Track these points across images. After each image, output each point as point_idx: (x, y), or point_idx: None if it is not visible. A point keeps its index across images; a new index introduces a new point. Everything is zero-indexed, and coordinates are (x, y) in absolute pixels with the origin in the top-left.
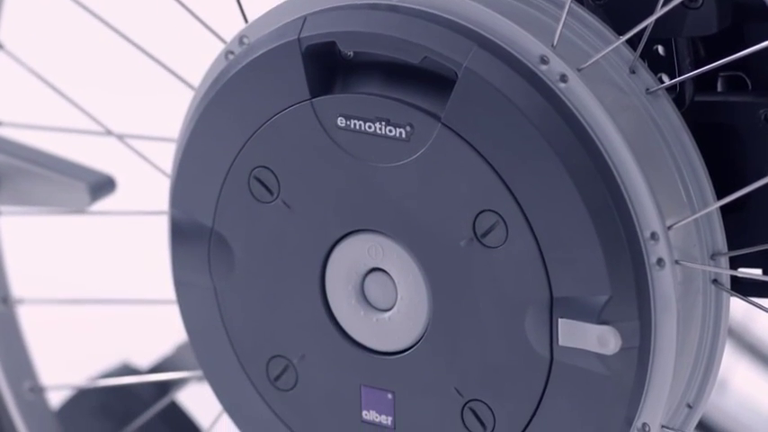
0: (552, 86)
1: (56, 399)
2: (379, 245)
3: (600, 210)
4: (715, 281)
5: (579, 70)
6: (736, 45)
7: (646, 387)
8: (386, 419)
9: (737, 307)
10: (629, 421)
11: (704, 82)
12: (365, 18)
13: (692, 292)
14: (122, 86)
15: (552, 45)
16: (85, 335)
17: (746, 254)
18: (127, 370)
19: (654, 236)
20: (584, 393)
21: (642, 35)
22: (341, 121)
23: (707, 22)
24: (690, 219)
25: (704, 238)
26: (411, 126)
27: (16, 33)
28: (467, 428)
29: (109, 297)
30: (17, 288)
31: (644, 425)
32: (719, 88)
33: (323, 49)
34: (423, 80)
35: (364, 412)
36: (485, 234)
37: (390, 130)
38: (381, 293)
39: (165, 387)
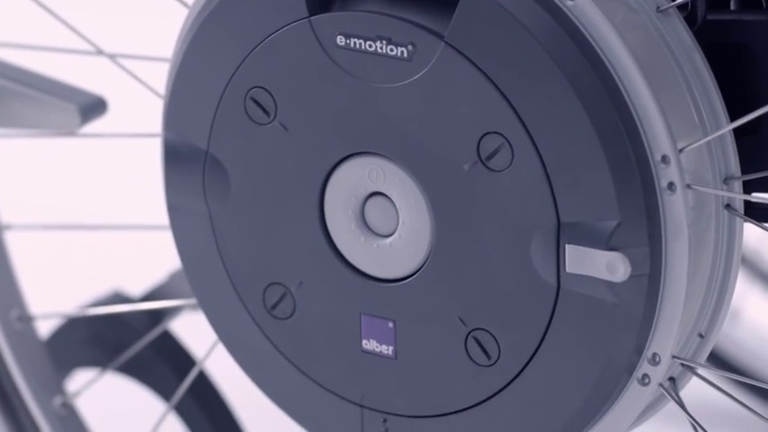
0: (559, 4)
1: (45, 328)
2: (380, 168)
3: (608, 131)
4: (728, 206)
5: None
6: None
7: (656, 316)
8: (386, 349)
9: (751, 233)
10: (639, 351)
11: (717, 0)
12: None
13: (704, 218)
14: (114, 4)
15: None
16: (76, 262)
17: (761, 178)
18: (118, 298)
19: (665, 159)
20: (592, 322)
21: None
22: (340, 40)
23: None
24: (702, 141)
25: (717, 162)
26: (413, 45)
27: None
28: (470, 358)
29: (100, 223)
30: (4, 213)
31: (654, 355)
32: (733, 6)
33: None
34: None
35: (364, 341)
36: (489, 157)
37: (392, 50)
38: (382, 218)
39: (158, 316)
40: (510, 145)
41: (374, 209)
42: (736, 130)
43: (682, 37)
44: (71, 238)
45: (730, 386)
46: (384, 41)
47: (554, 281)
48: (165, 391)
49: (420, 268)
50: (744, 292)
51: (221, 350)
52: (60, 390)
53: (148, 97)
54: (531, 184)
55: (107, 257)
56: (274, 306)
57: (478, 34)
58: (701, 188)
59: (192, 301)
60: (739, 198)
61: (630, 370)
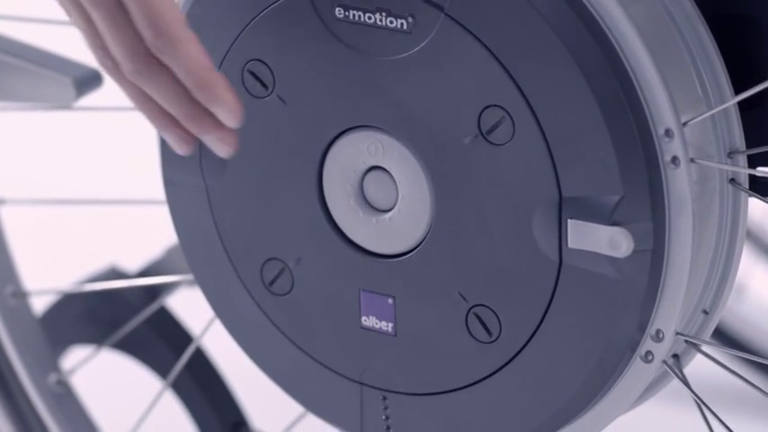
0: None
1: (39, 304)
2: (379, 142)
3: (611, 104)
4: (732, 180)
5: None
6: None
7: (659, 292)
8: (386, 326)
9: (756, 208)
10: (642, 328)
11: None
12: None
13: (709, 192)
14: None
15: None
16: (71, 237)
17: (765, 152)
18: (114, 274)
19: (668, 133)
20: (595, 299)
21: None
22: (339, 12)
23: None
24: (706, 115)
25: (721, 136)
26: (413, 17)
27: None
28: (471, 335)
29: (95, 197)
30: None
31: (657, 331)
32: None
33: None
34: None
35: (363, 318)
36: (490, 130)
37: (391, 21)
38: (381, 193)
39: (155, 292)
40: (511, 118)
41: (373, 183)
42: (740, 104)
43: (686, 8)
44: (66, 213)
45: (735, 363)
46: (383, 13)
47: (556, 256)
48: (161, 369)
49: (420, 243)
50: (749, 267)
51: (218, 327)
52: (55, 367)
53: None
54: (533, 157)
55: (103, 232)
56: (272, 282)
57: (479, 6)
58: (705, 162)
59: (189, 276)
60: (744, 172)
61: (633, 347)
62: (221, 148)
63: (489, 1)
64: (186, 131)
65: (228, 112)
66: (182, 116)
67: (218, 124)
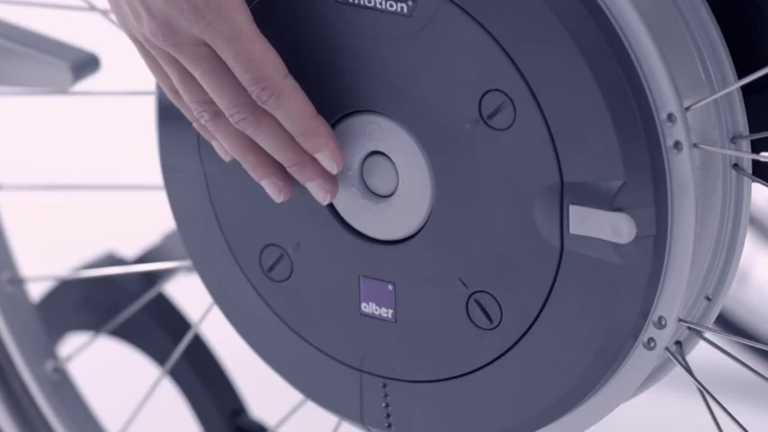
0: None
1: (36, 291)
2: (380, 127)
3: (613, 89)
4: (735, 165)
5: None
6: None
7: (662, 278)
8: (386, 312)
9: (759, 193)
10: (645, 315)
11: None
12: None
13: (712, 178)
14: None
15: None
16: (68, 223)
17: None
18: (112, 260)
19: (671, 117)
20: (597, 285)
21: None
22: None
23: None
24: (709, 99)
25: (724, 120)
26: (413, 0)
27: None
28: (472, 322)
29: (93, 183)
30: None
31: (660, 318)
32: None
33: None
34: None
35: (363, 304)
36: (491, 115)
37: (391, 5)
38: (381, 178)
39: (152, 278)
40: (512, 103)
41: (373, 168)
42: (744, 88)
43: None
44: (63, 198)
45: (739, 350)
46: None
47: (557, 242)
48: (159, 355)
49: (420, 229)
50: (752, 253)
51: (217, 313)
52: (52, 354)
53: None
54: (534, 143)
55: (100, 218)
56: (271, 268)
57: None
58: (708, 147)
59: (187, 262)
60: (747, 157)
61: (636, 334)
62: (322, 195)
63: None
64: (284, 180)
65: (331, 159)
66: (287, 162)
67: (320, 171)
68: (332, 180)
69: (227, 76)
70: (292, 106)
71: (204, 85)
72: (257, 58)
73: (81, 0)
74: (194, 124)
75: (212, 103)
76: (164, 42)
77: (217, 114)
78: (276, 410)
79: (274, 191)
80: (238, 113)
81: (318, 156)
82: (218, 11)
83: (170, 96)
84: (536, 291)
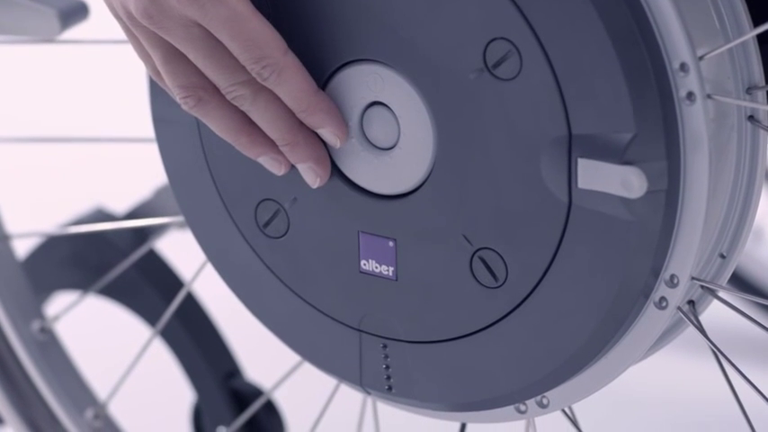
0: None
1: (22, 248)
2: (380, 76)
3: (623, 37)
4: (751, 117)
5: None
6: None
7: (674, 234)
8: (386, 270)
9: None
10: (656, 272)
11: None
12: None
13: (726, 130)
14: None
15: None
16: (55, 177)
17: None
18: (101, 215)
19: (683, 67)
20: (606, 241)
21: None
22: None
23: None
24: (723, 48)
25: (739, 70)
26: None
27: None
28: (476, 280)
29: (81, 135)
30: None
31: (672, 276)
32: None
33: None
34: None
35: (363, 262)
36: (496, 65)
37: None
38: (382, 130)
39: (143, 234)
40: (518, 52)
41: (374, 119)
42: (759, 37)
43: None
44: (50, 151)
45: (753, 310)
46: None
47: (565, 197)
48: (150, 315)
49: (422, 183)
50: None
51: (210, 271)
52: (39, 313)
53: None
54: (541, 93)
55: (89, 172)
56: (267, 224)
57: None
58: (723, 98)
59: (179, 218)
60: (763, 109)
61: (647, 293)
62: (313, 178)
63: None
64: (282, 153)
65: (333, 134)
66: (281, 141)
67: (312, 154)
68: (324, 164)
69: (223, 55)
70: (294, 83)
71: (199, 66)
72: (255, 37)
73: None
74: (183, 107)
75: (196, 87)
76: (152, 24)
77: (201, 100)
78: (272, 372)
79: (274, 165)
80: (235, 91)
81: (321, 131)
82: None
83: (154, 78)
84: (543, 248)
